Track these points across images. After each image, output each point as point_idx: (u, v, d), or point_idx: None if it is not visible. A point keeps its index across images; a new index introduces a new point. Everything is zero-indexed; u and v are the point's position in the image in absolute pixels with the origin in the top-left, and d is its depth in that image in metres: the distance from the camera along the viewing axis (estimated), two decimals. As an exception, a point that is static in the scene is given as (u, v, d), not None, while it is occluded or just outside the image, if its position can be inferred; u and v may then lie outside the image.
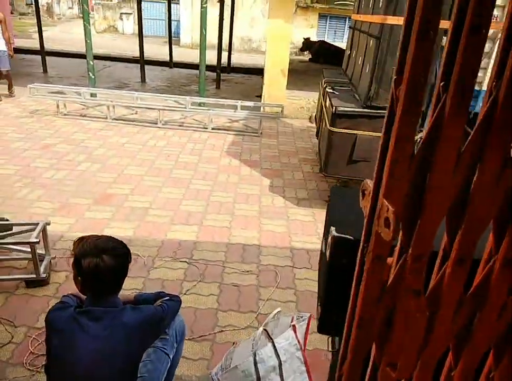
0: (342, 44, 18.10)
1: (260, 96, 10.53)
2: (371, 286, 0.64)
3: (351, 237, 1.06)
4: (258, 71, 14.82)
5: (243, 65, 15.48)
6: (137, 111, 7.14)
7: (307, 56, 15.74)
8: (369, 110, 3.57)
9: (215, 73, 11.22)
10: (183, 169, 5.13)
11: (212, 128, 6.76)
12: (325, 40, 16.25)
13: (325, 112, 4.25)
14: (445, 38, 3.31)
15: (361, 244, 0.73)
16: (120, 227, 3.65)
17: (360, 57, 4.21)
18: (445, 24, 2.95)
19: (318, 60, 13.56)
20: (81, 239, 1.47)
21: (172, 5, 22.29)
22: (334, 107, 3.60)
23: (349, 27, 5.47)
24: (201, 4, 7.44)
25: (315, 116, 6.22)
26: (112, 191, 4.35)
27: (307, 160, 5.79)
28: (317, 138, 5.20)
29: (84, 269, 1.39)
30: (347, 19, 21.09)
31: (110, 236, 1.54)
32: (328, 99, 4.10)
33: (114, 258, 1.42)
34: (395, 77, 0.66)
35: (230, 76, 13.29)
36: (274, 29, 7.48)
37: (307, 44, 14.46)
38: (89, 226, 3.60)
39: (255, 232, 3.77)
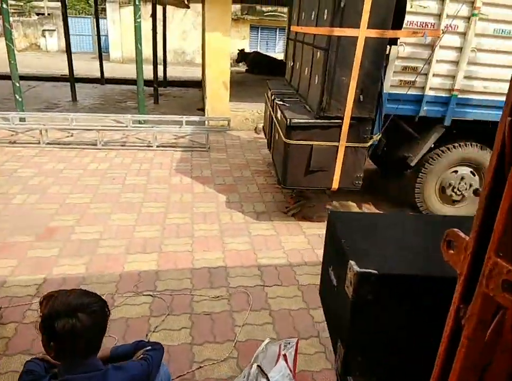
0: (274, 54, 18.53)
1: (201, 109, 10.38)
2: (471, 354, 0.56)
3: (375, 272, 0.98)
4: (195, 84, 14.67)
5: (179, 78, 15.24)
6: (72, 133, 6.66)
7: (242, 67, 15.87)
8: (322, 121, 3.59)
9: (152, 88, 10.87)
10: (132, 192, 4.84)
11: (158, 146, 6.49)
12: (259, 51, 16.50)
13: (276, 125, 4.22)
14: (389, 47, 3.43)
15: (454, 304, 0.64)
16: (70, 264, 3.31)
17: (307, 69, 4.25)
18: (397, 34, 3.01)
19: (253, 70, 13.71)
20: (49, 297, 1.25)
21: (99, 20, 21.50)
22: (287, 120, 3.58)
23: (289, 39, 5.54)
24: (135, 19, 7.17)
25: (263, 127, 6.21)
26: (56, 223, 3.96)
27: (259, 171, 5.74)
28: (269, 150, 5.17)
29: (59, 333, 1.18)
30: (277, 30, 21.69)
31: (82, 290, 1.33)
32: (279, 111, 4.08)
33: (91, 315, 1.22)
34: (510, 119, 0.58)
35: (167, 91, 12.99)
36: (213, 42, 7.41)
37: (242, 55, 14.58)
38: (34, 266, 3.23)
39: (219, 253, 3.62)
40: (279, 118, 4.12)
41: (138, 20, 7.37)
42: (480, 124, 3.94)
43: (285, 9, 20.08)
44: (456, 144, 4.06)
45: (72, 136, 6.66)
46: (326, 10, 3.50)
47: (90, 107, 9.83)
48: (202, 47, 13.66)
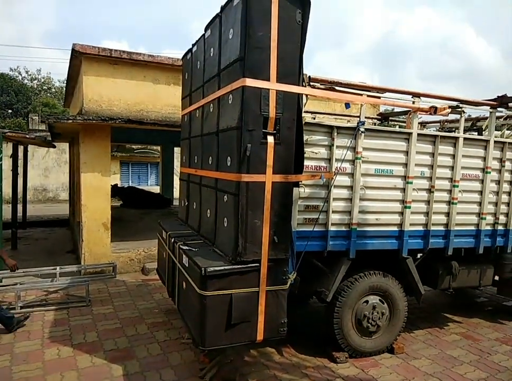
0: (148, 187, 18.60)
1: (72, 251, 9.21)
2: None
3: None
4: (61, 223, 13.35)
5: (41, 217, 13.74)
6: None
7: (116, 202, 15.28)
8: (240, 266, 3.32)
9: (8, 231, 9.38)
10: (-12, 383, 3.56)
11: (22, 307, 5.23)
12: (133, 186, 16.34)
13: (183, 273, 3.78)
14: (295, 190, 3.51)
15: None
16: None
17: (209, 210, 4.10)
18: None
19: (129, 205, 13.26)
20: None
21: None
22: (202, 269, 3.21)
23: (181, 180, 5.47)
24: (-6, 160, 6.34)
25: (157, 270, 5.62)
26: None
27: (157, 324, 4.96)
28: (171, 299, 4.56)
29: None
30: (149, 165, 22.25)
31: None
32: (185, 258, 3.70)
33: None
34: None
35: (28, 232, 11.42)
36: (91, 182, 6.92)
37: (116, 190, 14.13)
38: None
39: None
40: (186, 265, 3.71)
41: (0, 162, 6.55)
42: (379, 253, 4.19)
43: (155, 147, 21.07)
44: (362, 274, 4.17)
45: None
46: (229, 158, 3.52)
47: None
48: (72, 186, 12.88)
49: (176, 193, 18.17)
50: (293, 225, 3.69)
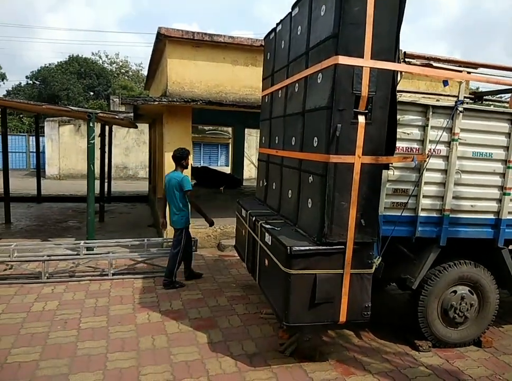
0: (218, 167, 19.12)
1: (152, 225, 9.83)
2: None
3: None
4: (141, 199, 14.28)
5: (123, 193, 14.80)
6: (12, 265, 5.71)
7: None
8: (325, 247, 3.32)
9: (97, 205, 10.23)
10: (91, 339, 3.98)
11: (114, 274, 5.73)
12: (206, 166, 16.92)
13: (266, 250, 3.87)
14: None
15: None
16: None
17: (291, 191, 4.12)
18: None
19: (203, 184, 13.77)
20: None
21: (32, 137, 21.13)
22: (288, 247, 3.26)
23: (260, 160, 5.55)
24: (88, 140, 6.89)
25: (235, 246, 5.81)
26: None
27: (236, 298, 5.17)
28: (252, 275, 4.71)
29: None
30: (219, 146, 22.83)
31: None
32: (268, 236, 3.78)
33: None
34: None
35: (113, 207, 12.40)
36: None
37: (191, 170, 14.75)
38: None
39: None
40: (269, 243, 3.79)
41: (92, 141, 7.09)
42: (472, 241, 3.94)
43: (225, 128, 21.52)
44: (451, 263, 3.95)
45: (11, 268, 5.69)
46: (316, 138, 3.48)
47: (26, 229, 8.86)
48: (152, 164, 13.65)
49: (246, 174, 18.57)
50: (380, 208, 3.58)
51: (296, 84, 4.01)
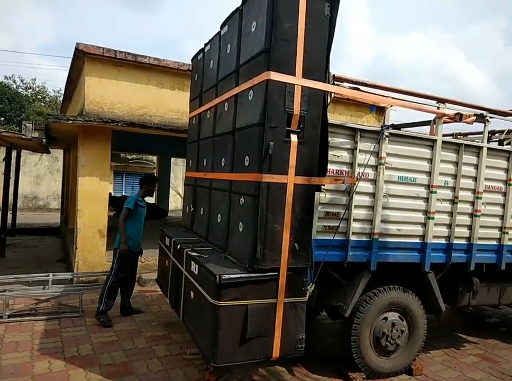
0: (142, 198, 18.13)
1: (62, 260, 8.78)
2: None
3: None
4: (52, 231, 12.90)
5: (31, 225, 13.29)
6: None
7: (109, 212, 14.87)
8: (258, 274, 3.04)
9: (-4, 239, 8.97)
10: (-30, 400, 3.18)
11: (10, 316, 4.84)
12: (128, 195, 15.93)
13: (192, 282, 3.48)
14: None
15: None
16: None
17: (220, 215, 3.83)
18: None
19: (124, 215, 12.85)
20: None
21: None
22: (216, 276, 2.93)
23: (186, 185, 5.21)
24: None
25: (157, 280, 5.29)
26: None
27: (156, 338, 4.60)
28: (175, 311, 4.22)
29: None
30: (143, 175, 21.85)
31: None
32: (196, 265, 3.41)
33: None
34: None
35: (17, 240, 10.96)
36: (88, 187, 6.61)
37: (110, 199, 13.74)
38: None
39: None
40: (196, 273, 3.42)
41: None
42: (400, 266, 3.95)
43: (150, 157, 20.79)
44: (381, 289, 3.90)
45: None
46: (247, 157, 3.28)
47: None
48: (65, 193, 12.47)
49: (171, 205, 17.86)
50: (312, 232, 3.43)
51: (226, 103, 3.83)
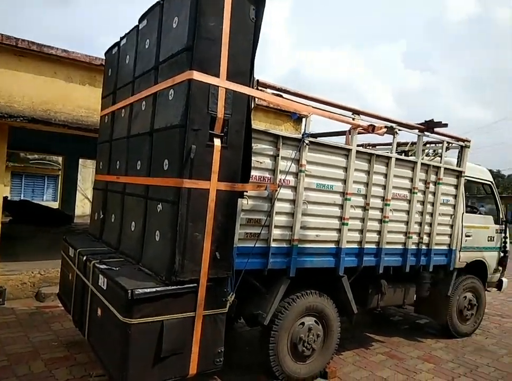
0: (43, 202, 16.49)
1: None
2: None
3: None
4: None
5: None
6: None
7: (4, 218, 13.21)
8: (176, 287, 2.83)
9: None
10: None
11: None
12: (26, 199, 14.39)
13: (100, 297, 3.13)
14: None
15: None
16: None
17: (134, 223, 3.54)
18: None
19: (22, 220, 11.51)
20: None
21: None
22: (128, 291, 2.65)
23: (96, 189, 4.76)
24: None
25: (58, 295, 4.73)
26: None
27: (57, 360, 4.09)
28: (80, 330, 3.78)
29: None
30: (46, 178, 19.95)
31: None
32: (104, 279, 3.07)
33: None
34: None
35: None
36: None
37: (5, 204, 12.22)
38: None
39: None
40: (104, 287, 3.09)
41: None
42: (317, 271, 4.02)
43: (55, 157, 18.99)
44: (298, 294, 3.93)
45: None
46: (166, 161, 3.06)
47: None
48: None
49: (78, 210, 16.44)
50: (234, 239, 3.33)
51: (144, 102, 3.57)
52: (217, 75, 2.91)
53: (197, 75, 2.82)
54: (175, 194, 2.89)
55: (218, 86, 2.91)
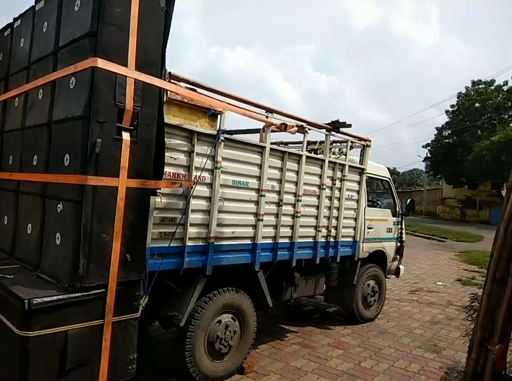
0: None
1: None
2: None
3: None
4: None
5: None
6: None
7: None
8: (81, 294, 2.58)
9: None
10: None
11: None
12: None
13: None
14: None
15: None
16: None
17: (30, 225, 3.16)
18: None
19: None
20: None
21: None
22: (25, 301, 2.36)
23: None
24: None
25: None
26: None
27: None
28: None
29: None
30: None
31: None
32: (-5, 289, 2.71)
33: None
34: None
35: None
36: None
37: None
38: None
39: None
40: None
41: None
42: (234, 268, 4.02)
43: None
44: (215, 292, 3.90)
45: None
46: (67, 155, 2.79)
47: None
48: None
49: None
50: (147, 240, 3.16)
51: (41, 90, 3.21)
52: (124, 64, 2.71)
53: (102, 63, 2.60)
54: (79, 192, 2.64)
55: (125, 76, 2.71)
